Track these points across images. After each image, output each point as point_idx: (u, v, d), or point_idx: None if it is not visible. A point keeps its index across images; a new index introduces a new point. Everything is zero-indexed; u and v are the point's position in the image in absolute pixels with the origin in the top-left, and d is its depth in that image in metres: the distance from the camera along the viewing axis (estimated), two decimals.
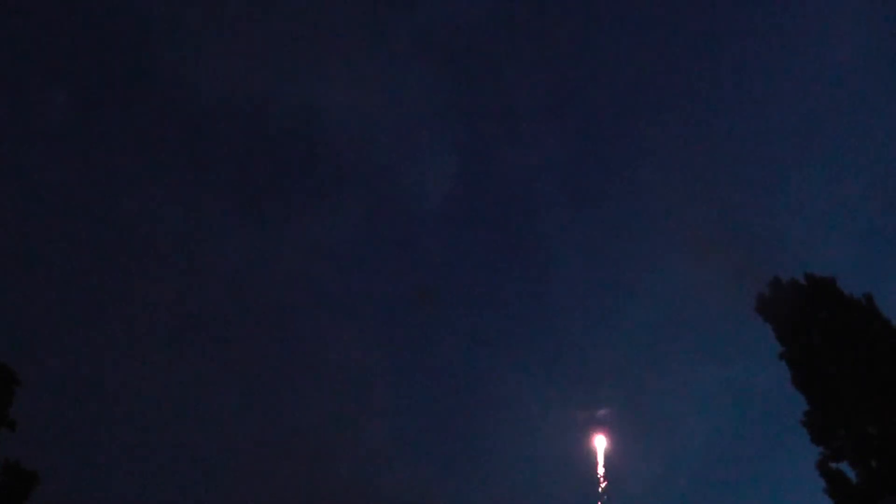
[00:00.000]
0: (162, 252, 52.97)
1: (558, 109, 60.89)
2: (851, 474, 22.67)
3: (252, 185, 58.44)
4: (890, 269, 54.35)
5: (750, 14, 60.90)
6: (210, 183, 55.45)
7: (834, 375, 24.00)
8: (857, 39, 57.05)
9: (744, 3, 60.53)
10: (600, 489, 42.13)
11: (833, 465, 22.94)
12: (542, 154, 60.02)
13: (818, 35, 59.50)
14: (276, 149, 56.67)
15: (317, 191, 59.04)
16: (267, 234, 55.85)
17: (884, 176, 56.43)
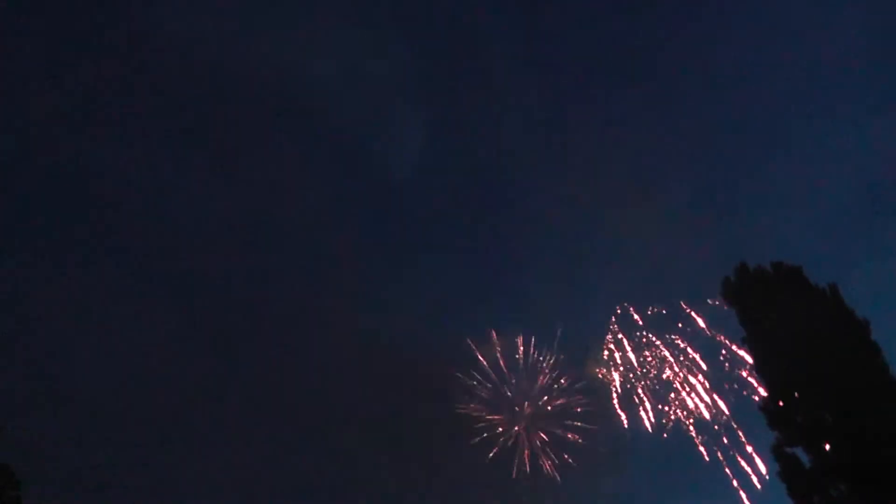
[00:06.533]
0: (134, 210, 51.97)
1: (535, 80, 60.78)
2: (805, 459, 22.97)
3: (220, 147, 57.28)
4: (857, 261, 55.51)
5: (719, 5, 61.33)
6: (181, 145, 54.30)
7: (794, 362, 24.18)
8: (837, 29, 57.73)
9: None
10: None
11: (788, 449, 23.20)
12: (517, 126, 59.86)
13: (797, 25, 60.10)
14: (246, 113, 55.62)
15: (286, 157, 58.22)
16: (234, 198, 54.94)
17: (856, 168, 57.56)
